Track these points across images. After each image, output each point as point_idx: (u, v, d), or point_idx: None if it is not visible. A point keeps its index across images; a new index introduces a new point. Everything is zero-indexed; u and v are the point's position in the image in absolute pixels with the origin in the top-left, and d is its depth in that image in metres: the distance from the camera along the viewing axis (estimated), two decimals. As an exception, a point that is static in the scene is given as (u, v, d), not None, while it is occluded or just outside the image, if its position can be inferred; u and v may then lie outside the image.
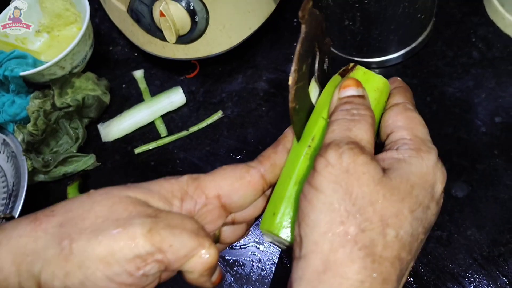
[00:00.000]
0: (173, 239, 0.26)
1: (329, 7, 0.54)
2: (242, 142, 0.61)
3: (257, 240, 0.53)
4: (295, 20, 0.69)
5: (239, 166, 0.33)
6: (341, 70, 0.37)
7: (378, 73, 0.61)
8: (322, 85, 0.38)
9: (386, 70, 0.61)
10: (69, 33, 0.74)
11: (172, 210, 0.29)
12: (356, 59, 0.60)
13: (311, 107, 0.36)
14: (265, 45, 0.68)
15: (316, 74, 0.36)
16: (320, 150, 0.29)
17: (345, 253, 0.26)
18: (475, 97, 0.56)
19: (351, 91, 0.33)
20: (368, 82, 0.36)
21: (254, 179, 0.32)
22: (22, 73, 0.63)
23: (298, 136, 0.34)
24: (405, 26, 0.55)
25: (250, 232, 0.54)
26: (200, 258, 0.27)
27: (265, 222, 0.33)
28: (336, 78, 0.37)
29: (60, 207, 0.26)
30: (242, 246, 0.53)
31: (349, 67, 0.37)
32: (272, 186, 0.34)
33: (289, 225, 0.31)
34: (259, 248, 0.53)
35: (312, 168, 0.29)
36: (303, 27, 0.31)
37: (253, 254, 0.52)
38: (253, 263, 0.52)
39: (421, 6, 0.54)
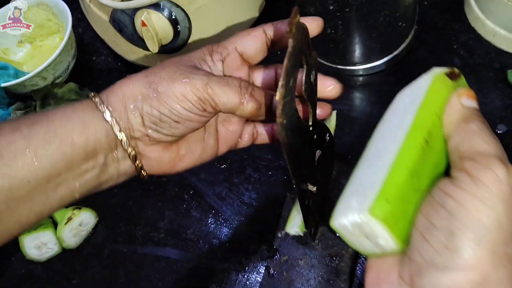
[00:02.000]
0: (222, 94, 0.35)
1: (311, 15, 0.54)
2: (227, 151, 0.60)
3: (242, 249, 0.53)
4: (278, 28, 0.69)
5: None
6: (448, 71, 0.35)
7: (361, 81, 0.62)
8: (309, 98, 0.37)
9: (369, 78, 0.61)
10: (52, 43, 0.73)
11: (207, 63, 0.37)
12: (339, 67, 0.61)
13: (299, 122, 0.36)
14: (249, 53, 0.68)
15: (303, 87, 0.36)
16: (477, 159, 0.28)
17: (506, 273, 0.26)
18: (457, 103, 0.57)
19: (474, 103, 0.32)
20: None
21: (258, 33, 0.38)
22: (3, 84, 0.62)
23: (288, 151, 0.32)
24: (386, 34, 0.56)
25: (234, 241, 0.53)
26: (243, 110, 0.36)
27: (375, 208, 0.28)
28: (442, 77, 0.34)
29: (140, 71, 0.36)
30: (227, 255, 0.53)
31: (456, 72, 0.35)
32: (272, 41, 0.39)
33: (405, 225, 0.29)
34: (244, 257, 0.52)
35: (461, 174, 0.28)
36: (290, 41, 0.30)
37: (238, 264, 0.52)
38: (239, 273, 0.51)
39: (402, 15, 0.54)
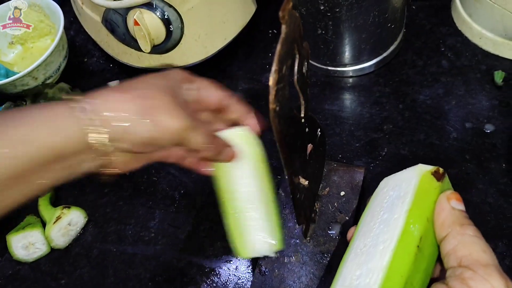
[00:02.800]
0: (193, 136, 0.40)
1: (302, 16, 0.55)
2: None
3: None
4: (269, 31, 0.70)
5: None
6: (433, 170, 0.36)
7: (351, 83, 0.62)
8: (301, 89, 0.38)
9: (359, 79, 0.62)
10: (43, 44, 0.73)
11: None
12: (330, 68, 0.61)
13: (291, 111, 0.36)
14: (240, 55, 0.68)
15: (295, 77, 0.36)
16: (476, 269, 0.30)
17: None
18: (445, 104, 0.58)
19: (462, 206, 0.34)
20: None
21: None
22: (-7, 84, 0.62)
23: (280, 140, 0.33)
24: (376, 35, 0.57)
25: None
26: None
27: None
28: (428, 177, 0.35)
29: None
30: (218, 254, 0.52)
31: (440, 172, 0.36)
32: None
33: None
34: (235, 256, 0.52)
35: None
36: (283, 27, 0.30)
37: (229, 262, 0.52)
38: (230, 272, 0.51)
39: (391, 16, 0.55)
